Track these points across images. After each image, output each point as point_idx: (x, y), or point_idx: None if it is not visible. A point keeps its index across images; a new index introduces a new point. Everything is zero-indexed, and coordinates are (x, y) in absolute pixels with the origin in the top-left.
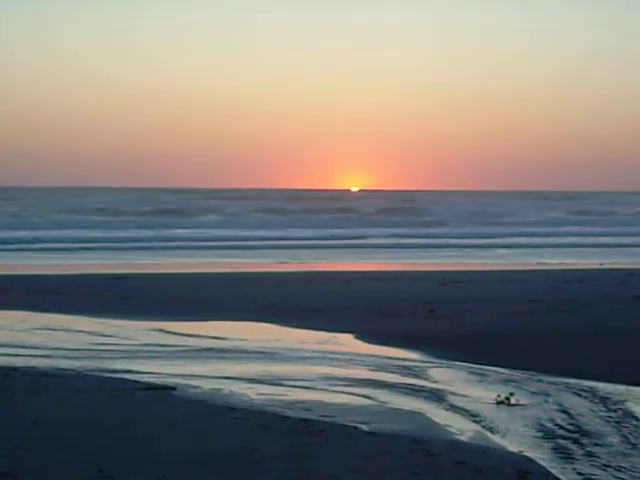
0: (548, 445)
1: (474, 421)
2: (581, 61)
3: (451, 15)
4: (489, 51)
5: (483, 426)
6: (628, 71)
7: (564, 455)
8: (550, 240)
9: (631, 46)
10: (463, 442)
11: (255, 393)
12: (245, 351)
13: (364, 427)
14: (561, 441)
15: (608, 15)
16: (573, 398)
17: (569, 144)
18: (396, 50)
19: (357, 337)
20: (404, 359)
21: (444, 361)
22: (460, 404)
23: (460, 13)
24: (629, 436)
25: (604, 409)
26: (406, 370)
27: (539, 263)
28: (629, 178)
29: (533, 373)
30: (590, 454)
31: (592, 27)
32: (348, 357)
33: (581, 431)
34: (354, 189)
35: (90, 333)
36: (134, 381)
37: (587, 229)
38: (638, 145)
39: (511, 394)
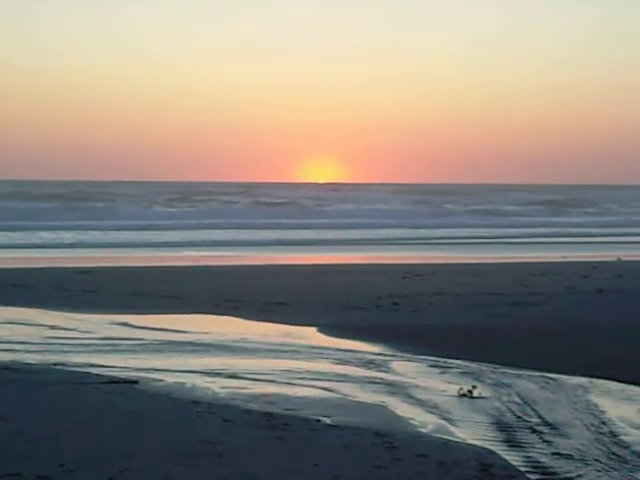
0: (510, 437)
1: (436, 414)
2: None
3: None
4: (466, 41)
5: (445, 419)
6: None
7: (526, 447)
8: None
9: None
10: (425, 435)
11: (218, 387)
12: (208, 344)
13: (327, 420)
14: (523, 433)
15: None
16: (536, 391)
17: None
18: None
19: (320, 330)
20: (367, 352)
21: (407, 354)
22: (422, 397)
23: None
24: (592, 428)
25: (567, 402)
26: (369, 363)
27: (503, 257)
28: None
29: (496, 366)
30: (552, 446)
31: (579, 19)
32: (311, 350)
33: (544, 423)
34: (321, 182)
35: (53, 327)
36: (97, 375)
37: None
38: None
39: (474, 387)
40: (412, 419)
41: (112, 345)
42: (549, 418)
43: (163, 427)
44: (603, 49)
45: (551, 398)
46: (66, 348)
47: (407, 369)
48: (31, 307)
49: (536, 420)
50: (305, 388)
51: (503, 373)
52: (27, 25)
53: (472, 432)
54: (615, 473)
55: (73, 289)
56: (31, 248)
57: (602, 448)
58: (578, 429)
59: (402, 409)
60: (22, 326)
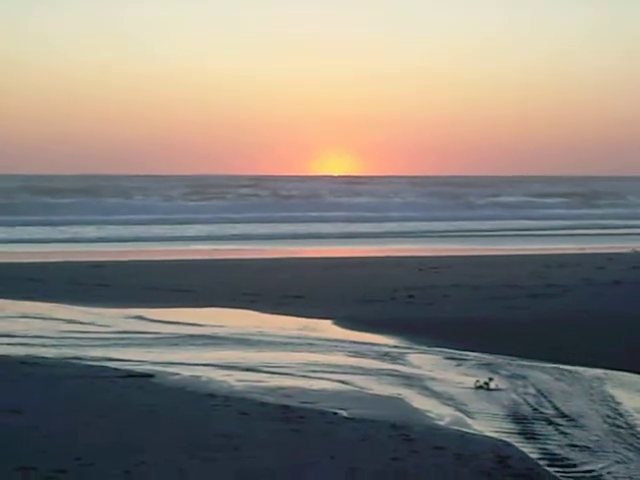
0: (527, 430)
1: (453, 406)
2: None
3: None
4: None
5: (462, 411)
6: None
7: (543, 439)
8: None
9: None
10: (442, 427)
11: (234, 380)
12: (224, 338)
13: (343, 413)
14: (540, 426)
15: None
16: (552, 383)
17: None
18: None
19: (336, 323)
20: (383, 345)
21: (423, 347)
22: (439, 389)
23: None
24: (608, 420)
25: (583, 394)
26: (385, 356)
27: (520, 248)
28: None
29: (513, 358)
30: (569, 438)
31: (580, 19)
32: (327, 343)
33: (560, 415)
34: (335, 175)
35: (69, 321)
36: (114, 369)
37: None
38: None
39: (490, 379)
40: (428, 411)
41: (128, 339)
42: (565, 410)
43: (179, 420)
44: (603, 49)
45: (567, 390)
46: (82, 342)
47: (423, 361)
48: (46, 301)
49: (552, 412)
50: (321, 381)
51: (519, 365)
52: (35, 24)
53: (489, 424)
54: (632, 465)
55: (88, 283)
56: (45, 242)
57: (619, 440)
58: (594, 421)
59: (418, 401)
60: (37, 320)
